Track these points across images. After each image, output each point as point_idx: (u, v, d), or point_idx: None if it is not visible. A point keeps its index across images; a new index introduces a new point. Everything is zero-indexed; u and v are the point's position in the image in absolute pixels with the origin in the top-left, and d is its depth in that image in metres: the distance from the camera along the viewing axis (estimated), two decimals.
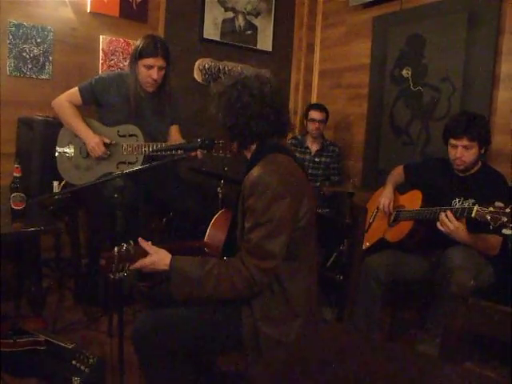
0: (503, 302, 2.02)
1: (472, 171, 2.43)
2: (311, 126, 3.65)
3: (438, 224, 2.21)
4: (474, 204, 2.24)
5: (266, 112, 1.56)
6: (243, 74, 1.63)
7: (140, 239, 1.56)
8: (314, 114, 3.64)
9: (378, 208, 2.72)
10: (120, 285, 1.75)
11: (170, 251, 1.56)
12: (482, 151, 2.37)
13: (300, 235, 1.54)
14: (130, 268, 1.52)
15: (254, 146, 1.63)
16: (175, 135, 2.88)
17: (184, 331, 1.52)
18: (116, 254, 1.47)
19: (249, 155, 1.65)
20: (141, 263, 1.53)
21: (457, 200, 2.38)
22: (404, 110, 3.53)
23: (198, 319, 1.54)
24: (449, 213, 2.16)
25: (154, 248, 1.55)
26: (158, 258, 1.53)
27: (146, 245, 1.56)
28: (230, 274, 1.46)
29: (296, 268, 1.55)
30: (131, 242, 1.53)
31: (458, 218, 2.17)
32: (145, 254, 1.53)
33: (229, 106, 1.57)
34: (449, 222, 2.16)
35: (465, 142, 2.30)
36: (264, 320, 1.51)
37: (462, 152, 2.33)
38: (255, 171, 1.50)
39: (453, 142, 2.35)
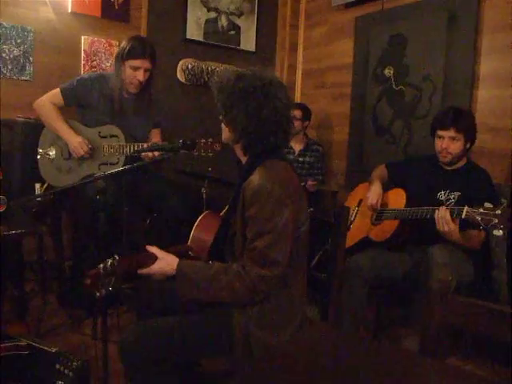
0: (483, 297, 2.06)
1: (457, 166, 2.44)
2: None
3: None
4: (459, 197, 2.30)
5: (286, 122, 1.53)
6: (264, 74, 1.52)
7: (147, 246, 1.56)
8: None
9: (358, 205, 2.74)
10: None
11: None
12: (468, 146, 2.39)
13: (298, 242, 1.51)
14: (139, 273, 1.51)
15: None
16: (156, 138, 2.87)
17: (173, 341, 1.49)
18: (102, 270, 1.42)
19: (244, 159, 1.59)
20: (149, 270, 1.51)
21: (442, 192, 2.40)
22: (386, 109, 3.57)
23: (187, 327, 1.52)
24: (447, 214, 2.13)
25: (163, 252, 1.55)
26: (166, 263, 1.53)
27: (155, 249, 1.55)
28: (231, 280, 1.44)
29: (291, 274, 1.53)
30: (116, 256, 1.48)
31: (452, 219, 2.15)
32: (129, 264, 1.50)
33: (255, 111, 1.47)
34: (445, 224, 2.14)
35: (452, 133, 2.33)
36: (257, 325, 1.50)
37: (449, 143, 2.35)
38: (255, 179, 1.45)
39: (440, 133, 2.37)
